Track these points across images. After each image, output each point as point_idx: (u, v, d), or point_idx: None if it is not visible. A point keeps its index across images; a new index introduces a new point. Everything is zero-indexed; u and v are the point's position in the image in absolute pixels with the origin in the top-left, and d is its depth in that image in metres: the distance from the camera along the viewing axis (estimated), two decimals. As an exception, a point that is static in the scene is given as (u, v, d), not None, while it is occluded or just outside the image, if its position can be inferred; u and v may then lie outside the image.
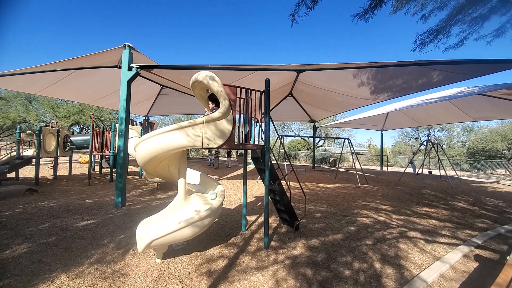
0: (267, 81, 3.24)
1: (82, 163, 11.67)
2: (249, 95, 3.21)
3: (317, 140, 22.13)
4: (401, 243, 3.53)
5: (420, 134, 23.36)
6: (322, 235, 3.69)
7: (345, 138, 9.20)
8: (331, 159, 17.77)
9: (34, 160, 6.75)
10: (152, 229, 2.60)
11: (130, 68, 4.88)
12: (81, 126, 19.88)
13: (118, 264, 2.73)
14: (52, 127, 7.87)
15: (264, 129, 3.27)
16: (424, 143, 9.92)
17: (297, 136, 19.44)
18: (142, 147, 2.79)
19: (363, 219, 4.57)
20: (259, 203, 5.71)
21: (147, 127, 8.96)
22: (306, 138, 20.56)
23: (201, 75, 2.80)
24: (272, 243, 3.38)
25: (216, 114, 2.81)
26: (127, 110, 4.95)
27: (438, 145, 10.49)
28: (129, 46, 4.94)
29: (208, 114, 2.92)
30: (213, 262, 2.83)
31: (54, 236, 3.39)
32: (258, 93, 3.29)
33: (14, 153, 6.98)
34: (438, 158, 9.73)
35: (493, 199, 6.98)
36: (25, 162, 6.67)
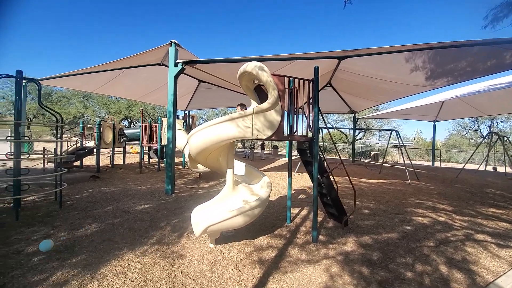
0: (316, 69, 3.08)
1: (133, 153, 12.92)
2: (293, 85, 3.10)
3: (356, 132, 20.85)
4: (468, 246, 3.13)
5: (480, 125, 20.24)
6: (374, 233, 3.47)
7: (392, 130, 8.45)
8: (372, 153, 16.61)
9: (95, 150, 7.67)
10: (207, 216, 2.73)
11: (176, 64, 5.13)
12: (129, 121, 21.99)
13: (175, 246, 2.95)
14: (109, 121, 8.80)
15: (313, 120, 3.14)
16: (488, 135, 8.58)
17: (338, 129, 18.55)
18: (195, 139, 2.91)
19: (420, 218, 4.17)
20: (300, 196, 5.62)
21: (188, 120, 9.44)
22: (343, 130, 19.51)
23: (250, 66, 2.78)
24: (320, 237, 3.29)
25: (265, 105, 2.78)
26: (175, 104, 5.24)
27: (505, 137, 9.01)
28: (175, 43, 5.17)
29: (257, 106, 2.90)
30: (263, 251, 2.87)
31: (118, 218, 3.81)
32: (301, 83, 3.15)
33: (78, 144, 8.02)
34: (506, 153, 8.35)
35: None
36: (89, 152, 7.62)
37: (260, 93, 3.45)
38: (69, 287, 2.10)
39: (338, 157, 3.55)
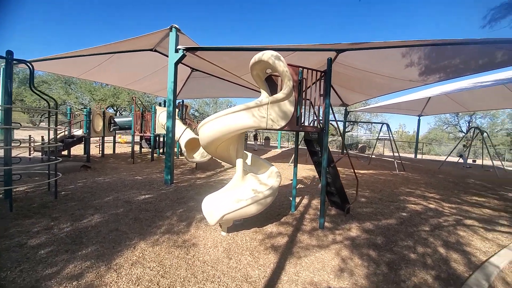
0: (329, 60, 3.11)
1: (121, 143, 12.45)
2: (302, 76, 3.12)
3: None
4: (459, 230, 3.41)
5: (459, 120, 21.56)
6: (374, 219, 3.67)
7: (383, 123, 8.78)
8: (359, 145, 17.20)
9: (84, 139, 7.31)
10: (221, 205, 2.74)
11: (176, 51, 4.94)
12: (115, 109, 21.03)
13: (185, 235, 2.95)
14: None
15: (324, 111, 3.19)
16: (471, 130, 9.15)
17: (336, 121, 18.82)
18: (208, 128, 2.88)
19: (412, 206, 4.45)
20: (298, 186, 5.76)
21: (181, 109, 9.20)
22: (333, 123, 19.90)
23: (266, 55, 2.75)
24: (326, 224, 3.43)
25: (281, 95, 2.79)
26: (174, 92, 5.09)
27: (485, 132, 9.67)
28: (175, 27, 4.96)
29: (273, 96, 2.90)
30: (274, 238, 2.95)
31: (121, 208, 3.72)
32: (309, 73, 3.17)
33: (66, 133, 7.60)
34: (486, 147, 9.01)
35: (553, 192, 6.41)
36: (78, 140, 7.25)
37: (270, 83, 3.44)
38: (85, 279, 2.05)
39: (336, 150, 3.64)
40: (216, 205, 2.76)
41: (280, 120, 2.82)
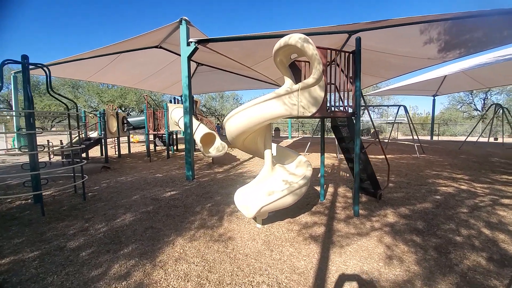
0: (358, 40, 2.95)
1: (134, 143, 12.56)
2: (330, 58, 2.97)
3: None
4: (499, 210, 3.28)
5: (474, 99, 20.78)
6: (408, 204, 3.57)
7: (399, 105, 8.50)
8: (372, 130, 16.87)
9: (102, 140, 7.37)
10: (257, 198, 2.69)
11: (188, 44, 4.82)
12: (123, 109, 21.15)
13: (220, 229, 2.92)
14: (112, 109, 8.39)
15: (354, 95, 3.06)
16: (492, 107, 8.80)
17: (366, 106, 18.58)
18: (236, 120, 2.80)
19: (443, 188, 4.31)
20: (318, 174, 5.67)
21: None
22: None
23: (294, 38, 2.61)
24: (360, 211, 3.35)
25: (311, 80, 2.66)
26: (189, 86, 5.00)
27: (505, 108, 9.28)
28: (185, 20, 4.82)
29: (304, 82, 2.78)
30: (311, 228, 2.89)
31: (150, 206, 3.72)
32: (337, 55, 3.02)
33: (82, 135, 7.66)
34: (508, 123, 8.65)
35: None
36: (95, 142, 7.31)
37: (294, 69, 3.31)
38: (134, 278, 2.04)
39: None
40: (252, 198, 2.71)
41: (311, 107, 2.71)
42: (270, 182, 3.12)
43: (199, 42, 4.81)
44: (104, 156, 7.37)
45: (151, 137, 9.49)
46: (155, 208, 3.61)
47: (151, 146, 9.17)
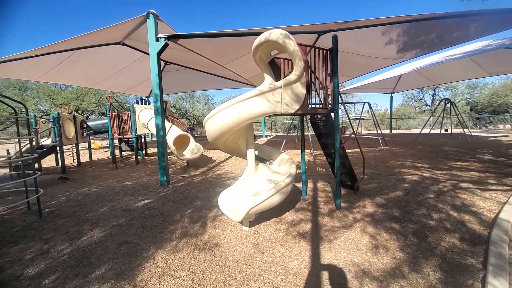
0: (335, 38, 3.01)
1: (96, 149, 11.39)
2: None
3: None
4: (460, 193, 3.65)
5: (424, 95, 23.37)
6: (382, 194, 3.78)
7: (364, 102, 9.09)
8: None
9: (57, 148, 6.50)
10: (243, 200, 2.58)
11: (157, 40, 4.47)
12: (80, 112, 19.03)
13: (204, 236, 2.75)
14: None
15: (332, 91, 3.12)
16: (442, 101, 9.91)
17: (343, 103, 19.27)
18: (218, 119, 2.65)
19: (409, 176, 4.68)
20: (298, 170, 5.75)
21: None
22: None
23: (275, 34, 2.56)
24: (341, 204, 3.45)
25: (293, 76, 2.64)
26: (160, 85, 4.66)
27: (453, 103, 10.55)
28: (153, 14, 4.46)
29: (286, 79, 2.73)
30: (298, 225, 2.88)
31: (122, 218, 3.36)
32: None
33: (33, 143, 6.68)
34: (457, 116, 9.84)
35: (515, 150, 7.24)
36: (49, 150, 6.42)
37: (273, 67, 3.26)
38: (111, 301, 1.80)
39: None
40: (238, 201, 2.60)
41: (294, 104, 2.69)
42: (255, 183, 3.04)
43: (170, 38, 4.50)
44: (60, 166, 6.52)
45: (116, 142, 8.69)
46: (128, 220, 3.27)
47: (117, 152, 8.39)
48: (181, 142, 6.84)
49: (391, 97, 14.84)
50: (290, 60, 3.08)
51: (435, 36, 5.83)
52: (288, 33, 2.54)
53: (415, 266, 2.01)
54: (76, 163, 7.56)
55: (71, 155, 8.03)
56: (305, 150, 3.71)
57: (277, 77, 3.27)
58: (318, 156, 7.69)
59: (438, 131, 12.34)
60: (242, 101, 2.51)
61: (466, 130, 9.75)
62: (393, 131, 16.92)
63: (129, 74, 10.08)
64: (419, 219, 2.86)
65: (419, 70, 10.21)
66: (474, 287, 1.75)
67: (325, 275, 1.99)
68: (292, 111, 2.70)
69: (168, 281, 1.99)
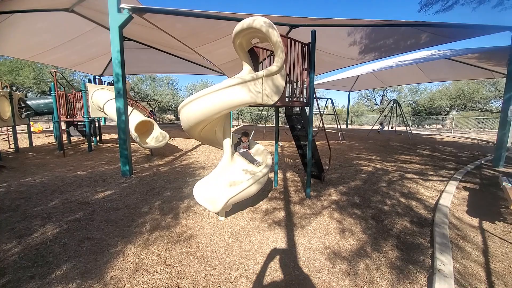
0: (313, 33, 3.10)
1: (36, 133, 9.70)
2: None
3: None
4: (407, 182, 4.25)
5: (375, 95, 26.06)
6: (344, 183, 4.16)
7: (327, 98, 9.68)
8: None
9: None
10: (221, 190, 2.56)
11: (120, 10, 3.95)
12: (15, 89, 15.70)
13: (177, 228, 2.67)
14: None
15: (308, 85, 3.24)
16: (391, 102, 11.16)
17: (316, 98, 19.52)
18: (195, 107, 2.53)
19: (365, 167, 5.23)
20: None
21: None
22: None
23: (258, 22, 2.51)
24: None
25: (274, 67, 2.64)
26: (122, 63, 4.18)
27: (399, 104, 11.99)
28: (114, -21, 3.90)
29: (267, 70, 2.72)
30: (272, 214, 3.00)
31: (79, 212, 3.01)
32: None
33: None
34: (402, 115, 11.25)
35: (445, 147, 8.67)
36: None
37: (251, 55, 3.22)
38: (79, 303, 1.63)
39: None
40: (215, 191, 2.56)
41: (274, 95, 2.72)
42: (231, 173, 3.02)
43: (135, 10, 4.02)
44: (-11, 152, 5.42)
45: (63, 126, 7.56)
46: (87, 214, 2.94)
47: (64, 137, 7.33)
48: (144, 129, 6.33)
49: (349, 95, 16.16)
50: (271, 50, 3.07)
51: (392, 42, 6.48)
52: (271, 23, 2.52)
53: (376, 246, 2.30)
54: (14, 149, 6.37)
55: (7, 139, 6.71)
56: (272, 142, 3.82)
57: (255, 67, 3.24)
58: (285, 147, 7.98)
59: (386, 128, 13.90)
60: (223, 88, 2.43)
61: (408, 128, 11.23)
62: (349, 126, 18.51)
63: (78, 48, 8.75)
64: (376, 205, 3.25)
65: (374, 72, 11.26)
66: (425, 262, 2.09)
67: (301, 258, 2.13)
68: (272, 103, 2.72)
69: (143, 277, 1.89)
